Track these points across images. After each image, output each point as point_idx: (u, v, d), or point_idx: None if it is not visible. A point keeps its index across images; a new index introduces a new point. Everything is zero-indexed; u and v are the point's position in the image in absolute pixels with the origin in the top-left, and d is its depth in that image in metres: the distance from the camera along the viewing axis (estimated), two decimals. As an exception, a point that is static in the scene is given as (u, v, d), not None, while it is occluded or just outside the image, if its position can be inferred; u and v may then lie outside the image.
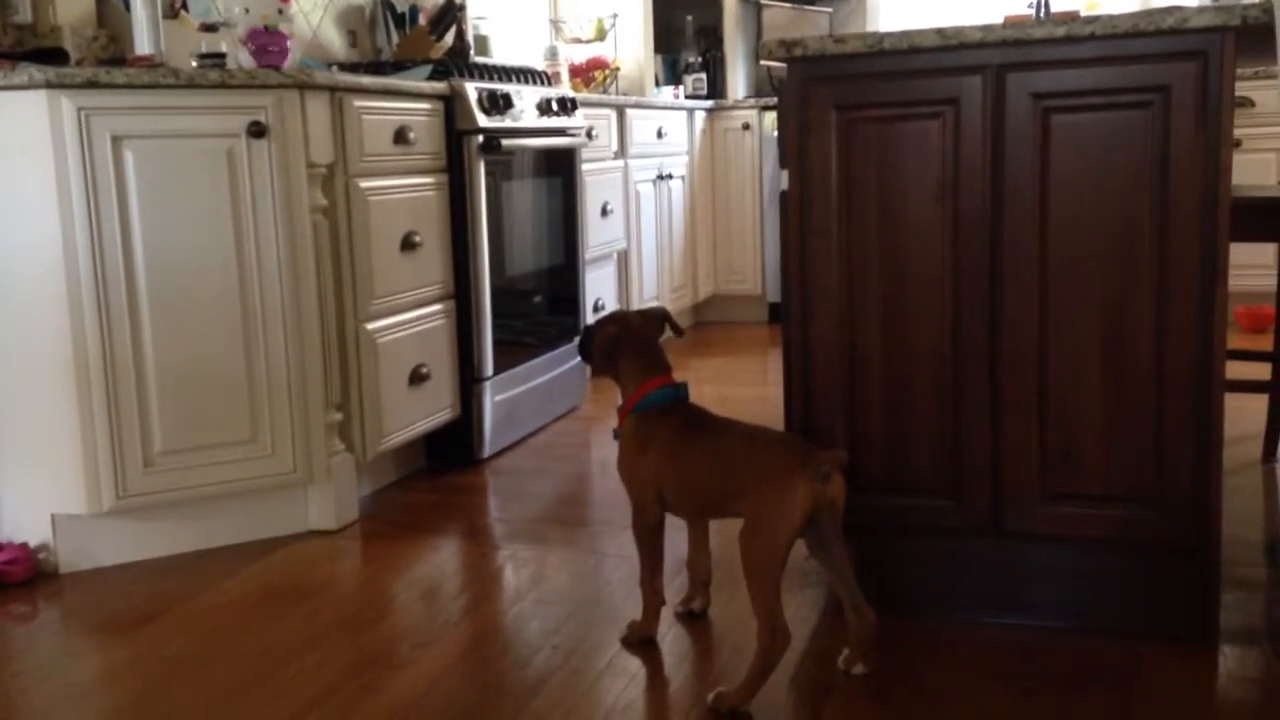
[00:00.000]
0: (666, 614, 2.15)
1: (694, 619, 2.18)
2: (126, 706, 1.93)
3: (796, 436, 2.06)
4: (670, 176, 4.99)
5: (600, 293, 4.25)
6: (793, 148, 2.11)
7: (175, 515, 2.61)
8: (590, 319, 4.11)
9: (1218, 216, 1.89)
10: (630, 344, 2.05)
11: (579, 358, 2.14)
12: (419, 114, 3.04)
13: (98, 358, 2.44)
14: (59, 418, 2.47)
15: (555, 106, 3.68)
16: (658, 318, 2.13)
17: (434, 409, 3.13)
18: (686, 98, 5.72)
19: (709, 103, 5.49)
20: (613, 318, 2.10)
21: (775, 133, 5.28)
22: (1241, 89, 4.72)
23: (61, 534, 2.53)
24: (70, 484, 2.48)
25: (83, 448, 2.47)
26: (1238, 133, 4.61)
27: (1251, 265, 4.29)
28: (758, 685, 1.80)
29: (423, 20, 4.10)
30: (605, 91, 5.35)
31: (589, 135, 4.02)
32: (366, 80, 2.82)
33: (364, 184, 2.81)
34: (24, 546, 2.50)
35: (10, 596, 2.41)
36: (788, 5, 5.82)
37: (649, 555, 2.06)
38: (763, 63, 5.95)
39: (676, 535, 2.16)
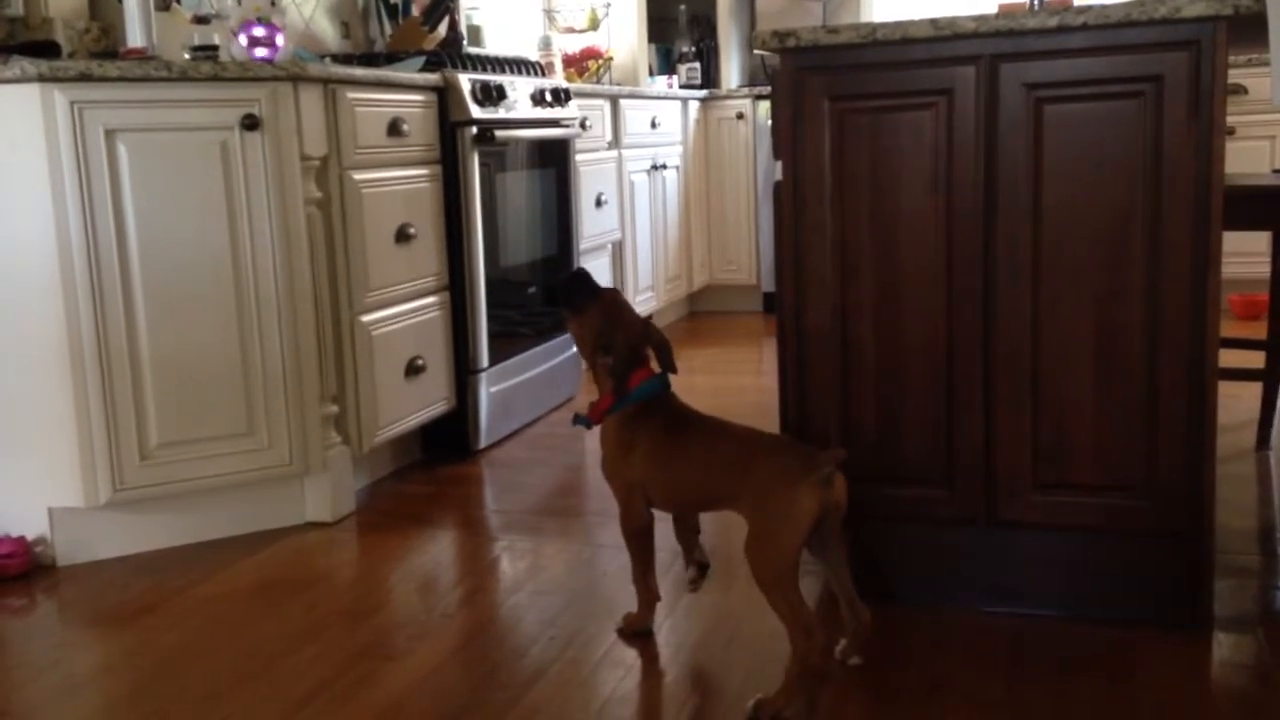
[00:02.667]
0: (662, 606, 2.15)
1: (703, 574, 2.14)
2: (123, 699, 1.93)
3: (791, 439, 2.05)
4: (664, 166, 4.99)
5: (595, 283, 4.25)
6: (786, 138, 2.11)
7: (172, 508, 2.61)
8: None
9: (1211, 204, 1.90)
10: (621, 339, 1.98)
11: (553, 300, 2.02)
12: (412, 105, 3.04)
13: (93, 351, 2.45)
14: (55, 411, 2.47)
15: (549, 97, 3.68)
16: (649, 333, 2.03)
17: (430, 401, 3.13)
18: (680, 87, 5.71)
19: (703, 92, 5.49)
20: (613, 302, 2.02)
21: (769, 122, 5.28)
22: (1234, 76, 4.72)
23: (58, 527, 2.53)
24: (67, 477, 2.49)
25: (79, 441, 2.47)
26: (1231, 120, 4.61)
27: (1245, 253, 4.29)
28: (798, 688, 1.77)
29: (415, 11, 4.09)
30: (599, 81, 5.34)
31: (583, 126, 4.02)
32: (360, 72, 2.82)
33: (358, 176, 2.81)
34: (21, 540, 2.50)
35: (7, 590, 2.41)
36: (781, -6, 5.80)
37: (640, 554, 2.05)
38: (756, 52, 5.95)
39: (665, 526, 2.17)
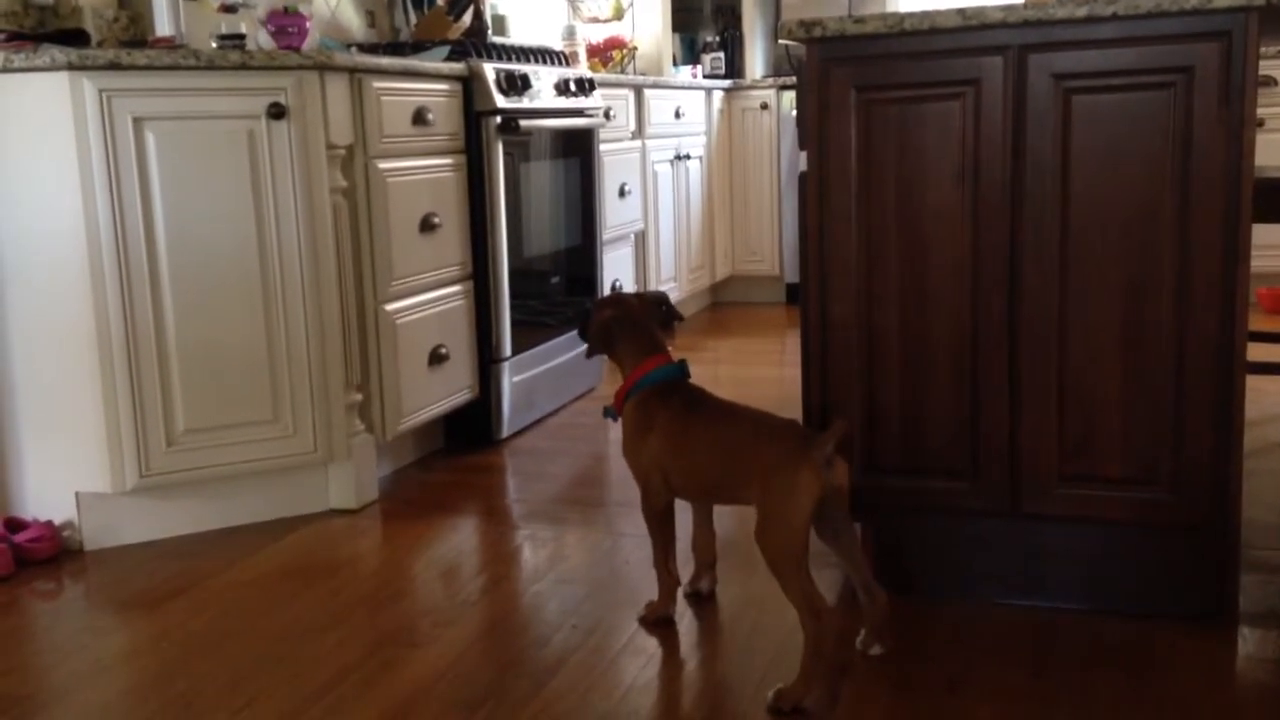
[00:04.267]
0: (684, 595, 2.16)
1: (702, 601, 2.18)
2: (149, 683, 1.95)
3: (796, 423, 2.06)
4: (688, 157, 4.98)
5: (618, 274, 4.25)
6: (812, 129, 2.10)
7: (198, 494, 2.63)
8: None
9: (1240, 197, 1.88)
10: (626, 325, 2.07)
11: (581, 343, 2.16)
12: (437, 95, 3.04)
13: (120, 338, 2.46)
14: (83, 397, 2.49)
15: (573, 87, 3.68)
16: (654, 300, 2.14)
17: (453, 389, 3.14)
18: (704, 77, 5.70)
19: (727, 82, 5.48)
20: (609, 300, 2.12)
21: (794, 112, 5.26)
22: (1265, 68, 4.67)
23: (86, 512, 2.55)
24: (94, 462, 2.51)
25: (106, 427, 2.49)
26: (1261, 112, 4.56)
27: (1273, 246, 4.25)
28: (815, 674, 1.77)
29: (440, 0, 4.09)
30: (623, 71, 5.33)
31: (606, 115, 4.01)
32: (385, 61, 2.83)
33: (383, 165, 2.82)
34: (49, 524, 2.53)
35: (35, 574, 2.44)
36: (806, -16, 5.78)
37: (660, 538, 2.06)
38: (781, 42, 5.92)
39: (685, 516, 2.17)
